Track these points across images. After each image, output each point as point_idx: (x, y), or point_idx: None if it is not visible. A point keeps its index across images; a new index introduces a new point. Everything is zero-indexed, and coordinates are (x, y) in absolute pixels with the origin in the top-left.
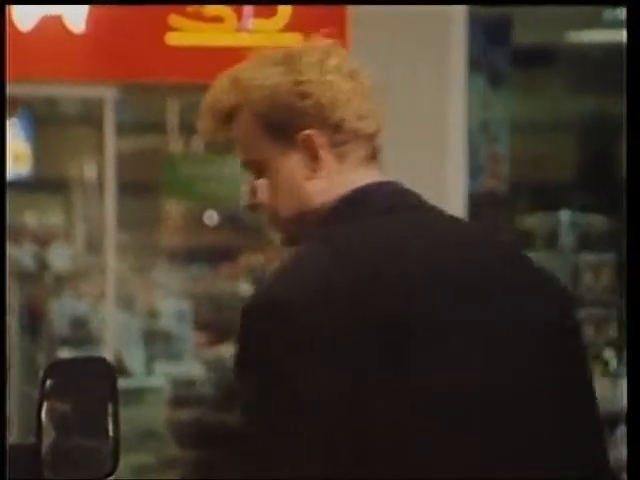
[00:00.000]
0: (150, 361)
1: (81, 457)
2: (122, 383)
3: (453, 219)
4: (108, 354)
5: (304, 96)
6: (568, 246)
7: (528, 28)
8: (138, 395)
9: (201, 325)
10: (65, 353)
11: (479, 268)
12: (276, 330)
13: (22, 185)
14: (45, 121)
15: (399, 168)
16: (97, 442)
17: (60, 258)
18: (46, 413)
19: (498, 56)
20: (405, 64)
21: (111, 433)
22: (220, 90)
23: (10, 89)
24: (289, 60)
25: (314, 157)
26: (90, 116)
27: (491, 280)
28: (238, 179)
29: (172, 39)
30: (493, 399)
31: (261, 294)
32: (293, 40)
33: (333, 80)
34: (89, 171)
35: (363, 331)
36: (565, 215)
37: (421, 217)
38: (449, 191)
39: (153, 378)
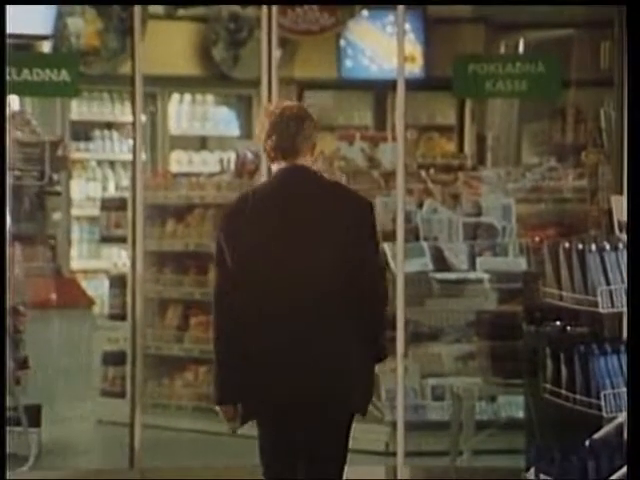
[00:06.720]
0: (472, 255)
1: None
2: (446, 276)
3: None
4: (431, 249)
5: None
6: None
7: None
8: (460, 289)
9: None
10: (390, 247)
11: (303, 199)
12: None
13: (412, 85)
14: (436, 22)
15: None
16: None
17: (388, 156)
18: None
19: None
20: None
21: None
22: None
23: None
24: None
25: None
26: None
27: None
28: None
29: None
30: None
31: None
32: None
33: None
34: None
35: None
36: None
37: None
38: None
39: (475, 272)
